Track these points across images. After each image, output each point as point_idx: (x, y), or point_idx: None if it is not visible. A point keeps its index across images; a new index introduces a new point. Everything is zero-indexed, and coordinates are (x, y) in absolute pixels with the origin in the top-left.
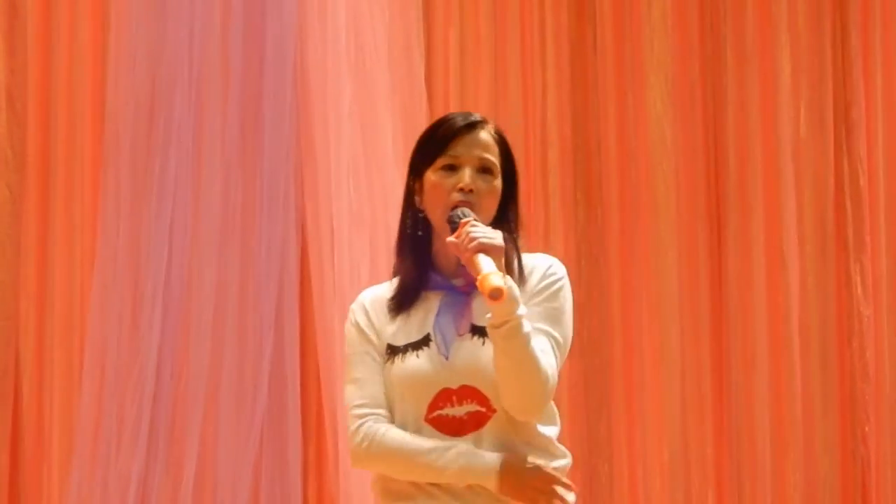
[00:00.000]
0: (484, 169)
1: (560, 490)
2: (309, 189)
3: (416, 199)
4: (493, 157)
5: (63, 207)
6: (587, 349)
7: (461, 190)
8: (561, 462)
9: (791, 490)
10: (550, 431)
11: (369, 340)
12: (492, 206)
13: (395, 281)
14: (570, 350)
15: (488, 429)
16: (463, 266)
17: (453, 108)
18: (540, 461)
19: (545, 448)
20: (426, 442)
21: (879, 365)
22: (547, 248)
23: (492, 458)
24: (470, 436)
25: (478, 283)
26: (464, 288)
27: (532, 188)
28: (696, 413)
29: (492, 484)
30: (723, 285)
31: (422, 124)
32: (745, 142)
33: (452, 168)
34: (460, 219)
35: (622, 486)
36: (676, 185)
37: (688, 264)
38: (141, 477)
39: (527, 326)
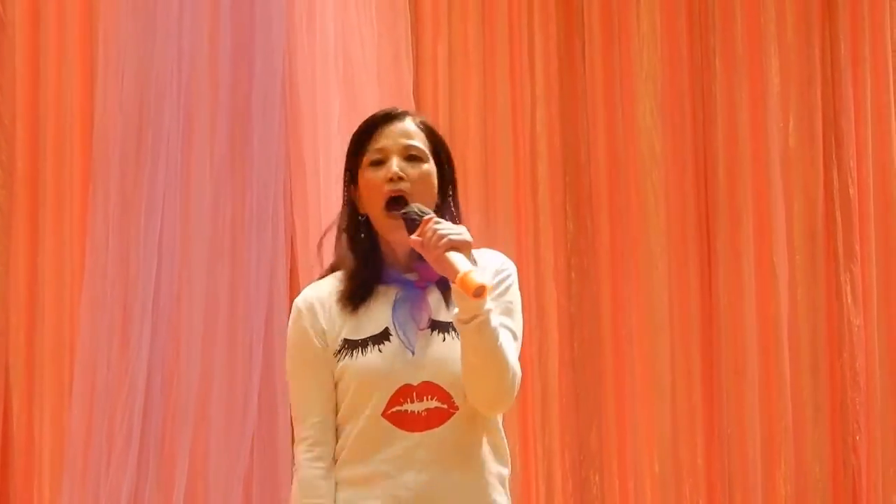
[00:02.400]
0: (410, 156)
1: None
2: (298, 203)
3: (359, 205)
4: (419, 143)
5: (52, 222)
6: (578, 360)
7: (391, 180)
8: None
9: (782, 499)
10: (504, 471)
11: (310, 345)
12: (426, 191)
13: (339, 276)
14: (561, 360)
15: (448, 427)
16: (416, 261)
17: (441, 121)
18: None
19: (501, 453)
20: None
21: (870, 374)
22: (537, 260)
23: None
24: (427, 433)
25: (457, 282)
26: (418, 283)
27: (522, 200)
28: (687, 423)
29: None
30: (713, 296)
31: None
32: (734, 152)
33: (380, 162)
34: (419, 216)
35: (613, 497)
36: (666, 196)
37: (678, 275)
38: (131, 492)
39: (494, 321)
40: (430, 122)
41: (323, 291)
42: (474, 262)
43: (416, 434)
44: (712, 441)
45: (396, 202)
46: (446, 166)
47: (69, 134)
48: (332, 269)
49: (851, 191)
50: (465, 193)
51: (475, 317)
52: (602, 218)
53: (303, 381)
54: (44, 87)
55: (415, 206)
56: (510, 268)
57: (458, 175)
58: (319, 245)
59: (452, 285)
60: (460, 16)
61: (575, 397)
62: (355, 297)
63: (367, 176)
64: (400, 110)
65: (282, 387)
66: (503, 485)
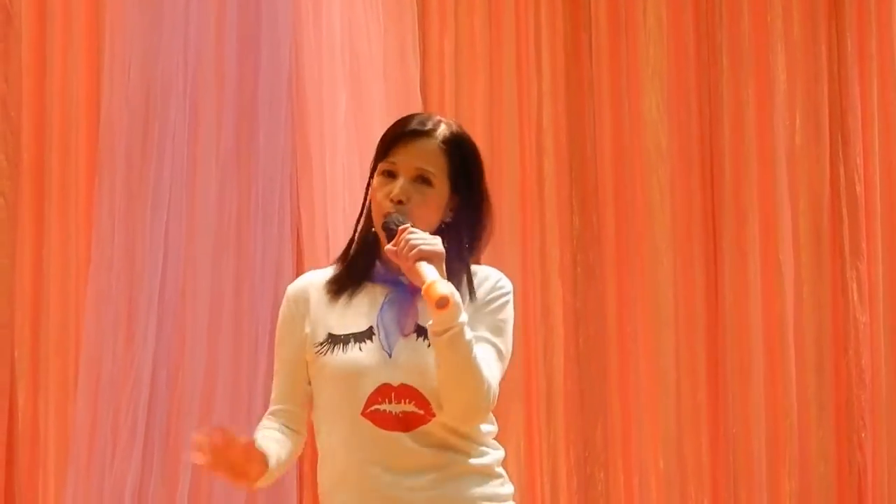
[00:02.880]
0: (420, 178)
1: None
2: (304, 197)
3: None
4: (432, 168)
5: (58, 215)
6: (583, 357)
7: (391, 200)
8: (495, 453)
9: (787, 497)
10: (487, 429)
11: (291, 331)
12: (427, 216)
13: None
14: (566, 356)
15: (422, 431)
16: None
17: (449, 115)
18: None
19: (483, 442)
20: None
21: (875, 371)
22: (543, 256)
23: None
24: (403, 434)
25: (423, 292)
26: (410, 286)
27: (527, 196)
28: (692, 420)
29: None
30: (718, 293)
31: None
32: (740, 149)
33: (391, 175)
34: (397, 225)
35: (618, 494)
36: (672, 192)
37: (683, 272)
38: (136, 485)
39: (468, 333)
40: (464, 143)
41: (319, 277)
42: (443, 272)
43: (393, 433)
44: (717, 438)
45: (393, 217)
46: (464, 181)
47: (75, 126)
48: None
49: (858, 188)
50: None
51: (448, 329)
52: (608, 214)
53: (280, 365)
54: (50, 80)
55: (393, 217)
56: (507, 286)
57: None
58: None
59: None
60: (467, 10)
61: (580, 394)
62: (343, 288)
63: (377, 183)
64: (432, 126)
65: None
66: (488, 477)
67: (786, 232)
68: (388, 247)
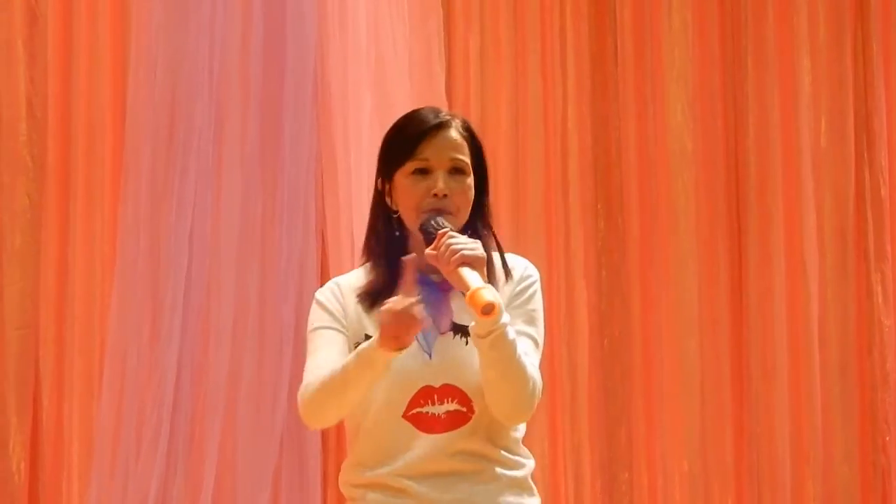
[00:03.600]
0: (455, 170)
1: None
2: (329, 198)
3: (388, 199)
4: (464, 157)
5: (83, 216)
6: (607, 358)
7: (435, 196)
8: (529, 463)
9: (810, 499)
10: (520, 433)
11: (334, 317)
12: (466, 205)
13: (367, 272)
14: (591, 358)
15: (467, 430)
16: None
17: (473, 118)
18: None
19: (516, 452)
20: (332, 369)
21: None
22: (567, 258)
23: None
24: (446, 435)
25: (467, 299)
26: (442, 285)
27: (552, 198)
28: (716, 422)
29: (378, 351)
30: (743, 295)
31: None
32: (765, 151)
33: (424, 171)
34: (436, 229)
35: (641, 495)
36: (696, 194)
37: (708, 274)
38: (160, 486)
39: (511, 333)
40: (472, 126)
41: (350, 283)
42: (485, 276)
43: (435, 436)
44: (741, 440)
45: (431, 221)
46: (482, 173)
47: (100, 127)
48: (364, 261)
49: (883, 191)
50: (495, 191)
51: (491, 332)
52: (632, 216)
53: (323, 340)
54: (75, 81)
55: (432, 220)
56: (534, 274)
57: (490, 171)
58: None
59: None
60: (492, 12)
61: (604, 395)
62: (378, 294)
63: (408, 183)
64: (447, 116)
65: None
66: (522, 485)
67: (810, 234)
68: (428, 251)
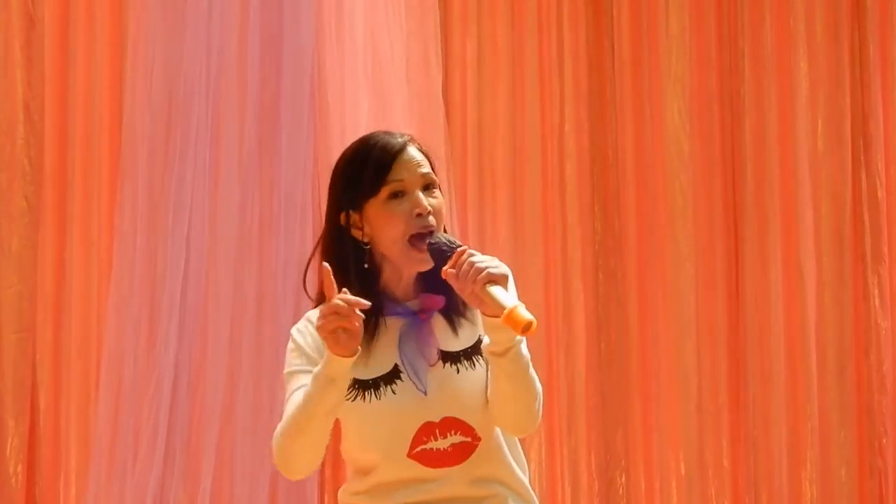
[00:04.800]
0: (428, 185)
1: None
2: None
3: (357, 232)
4: (431, 171)
5: (80, 219)
6: (604, 361)
7: (419, 215)
8: (526, 470)
9: (808, 502)
10: (524, 477)
11: (309, 360)
12: (442, 219)
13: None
14: (588, 361)
15: (474, 459)
16: (418, 290)
17: (470, 121)
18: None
19: (519, 462)
20: (298, 400)
21: None
22: (565, 261)
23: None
24: (456, 468)
25: (503, 318)
26: (422, 313)
27: (549, 200)
28: (713, 425)
29: (334, 364)
30: (740, 297)
31: (439, 137)
32: (762, 154)
33: (400, 194)
34: (451, 247)
35: (639, 498)
36: (694, 197)
37: (705, 276)
38: (157, 487)
39: (525, 349)
40: (424, 145)
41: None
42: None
43: (445, 469)
44: (738, 443)
45: (422, 237)
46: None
47: (98, 130)
48: (321, 299)
49: (880, 193)
50: (492, 192)
51: (509, 349)
52: (629, 218)
53: (296, 387)
54: (73, 84)
55: (442, 237)
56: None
57: (487, 174)
58: (304, 278)
59: (485, 317)
60: (489, 15)
61: (601, 398)
62: (364, 335)
63: (387, 207)
64: (405, 137)
65: None
66: (525, 493)
67: (807, 237)
68: (448, 270)
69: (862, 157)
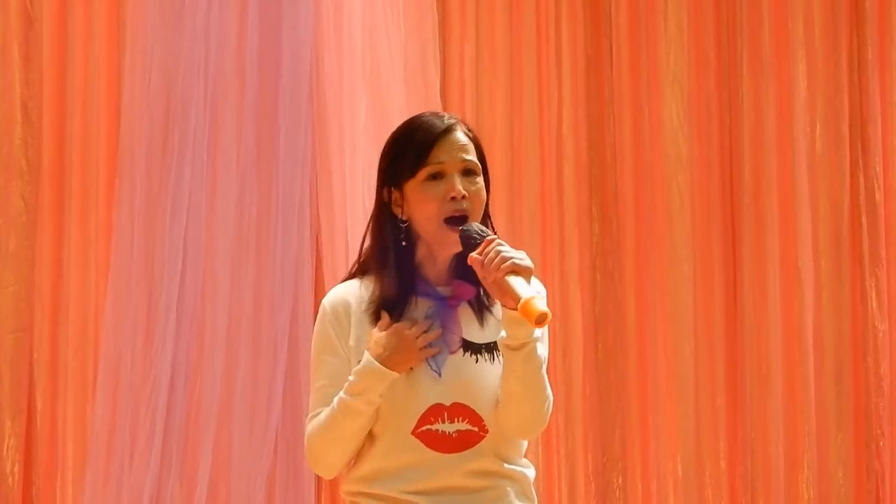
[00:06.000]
0: (468, 171)
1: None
2: (324, 202)
3: (397, 209)
4: (474, 158)
5: (77, 219)
6: (602, 362)
7: (453, 199)
8: (530, 473)
9: None
10: (523, 445)
11: (336, 343)
12: (480, 206)
13: (370, 283)
14: (585, 362)
15: (477, 451)
16: (452, 277)
17: (469, 121)
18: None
19: (521, 464)
20: (329, 407)
21: (894, 379)
22: (562, 262)
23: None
24: (456, 455)
25: (518, 308)
26: (451, 300)
27: (547, 202)
28: (710, 427)
29: (383, 373)
30: (737, 299)
31: None
32: (760, 156)
33: (438, 176)
34: (481, 235)
35: (636, 500)
36: (692, 199)
37: (703, 278)
38: (154, 489)
39: (540, 348)
40: (474, 130)
41: (353, 296)
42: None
43: (445, 455)
44: (735, 445)
45: (456, 220)
46: (485, 174)
47: (95, 130)
48: (362, 271)
49: (877, 196)
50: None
51: (525, 344)
52: (627, 220)
53: (329, 379)
54: (70, 83)
55: (475, 226)
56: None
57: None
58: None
59: (504, 310)
60: (488, 16)
61: (598, 399)
62: (392, 308)
63: (423, 189)
64: (452, 119)
65: (306, 385)
66: (527, 495)
67: (805, 239)
68: (474, 256)
69: (860, 160)
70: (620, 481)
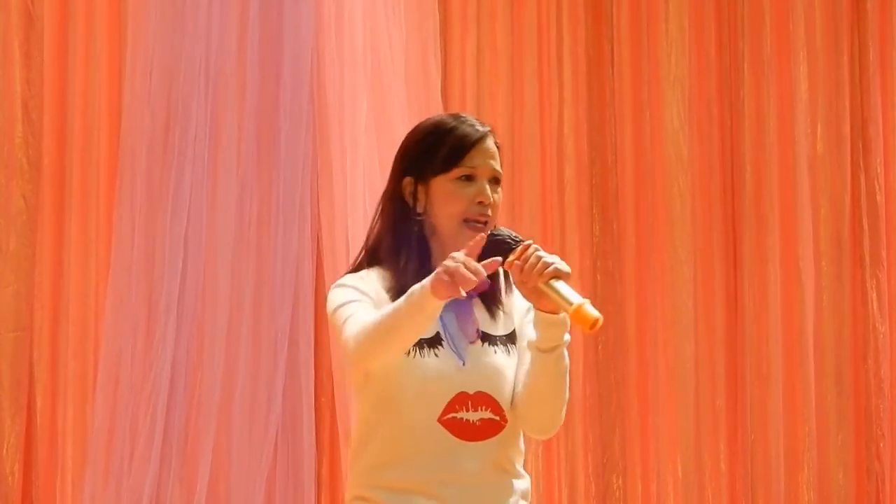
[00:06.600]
0: (494, 180)
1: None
2: (324, 201)
3: (412, 200)
4: (500, 168)
5: (78, 218)
6: (602, 363)
7: (480, 203)
8: (528, 478)
9: None
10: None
11: (364, 293)
12: (497, 215)
13: (383, 274)
14: (585, 363)
15: (498, 440)
16: None
17: None
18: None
19: (522, 465)
20: (384, 311)
21: (894, 381)
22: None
23: (424, 282)
24: (481, 443)
25: (572, 314)
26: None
27: (548, 203)
28: (711, 428)
29: (427, 296)
30: (738, 301)
31: None
32: (761, 157)
33: (469, 178)
34: (515, 240)
35: (636, 501)
36: (692, 200)
37: (703, 280)
38: (154, 488)
39: (566, 352)
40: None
41: (371, 282)
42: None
43: (469, 444)
44: (736, 446)
45: (475, 223)
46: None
47: (96, 129)
48: (370, 261)
49: (878, 197)
50: None
51: (556, 347)
52: (628, 221)
53: (350, 295)
54: (71, 83)
55: (505, 230)
56: None
57: None
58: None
59: (538, 312)
60: (489, 17)
61: (598, 400)
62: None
63: (452, 187)
64: (488, 127)
65: (306, 385)
66: (528, 497)
67: (806, 240)
68: (512, 261)
69: (861, 161)
70: (620, 482)
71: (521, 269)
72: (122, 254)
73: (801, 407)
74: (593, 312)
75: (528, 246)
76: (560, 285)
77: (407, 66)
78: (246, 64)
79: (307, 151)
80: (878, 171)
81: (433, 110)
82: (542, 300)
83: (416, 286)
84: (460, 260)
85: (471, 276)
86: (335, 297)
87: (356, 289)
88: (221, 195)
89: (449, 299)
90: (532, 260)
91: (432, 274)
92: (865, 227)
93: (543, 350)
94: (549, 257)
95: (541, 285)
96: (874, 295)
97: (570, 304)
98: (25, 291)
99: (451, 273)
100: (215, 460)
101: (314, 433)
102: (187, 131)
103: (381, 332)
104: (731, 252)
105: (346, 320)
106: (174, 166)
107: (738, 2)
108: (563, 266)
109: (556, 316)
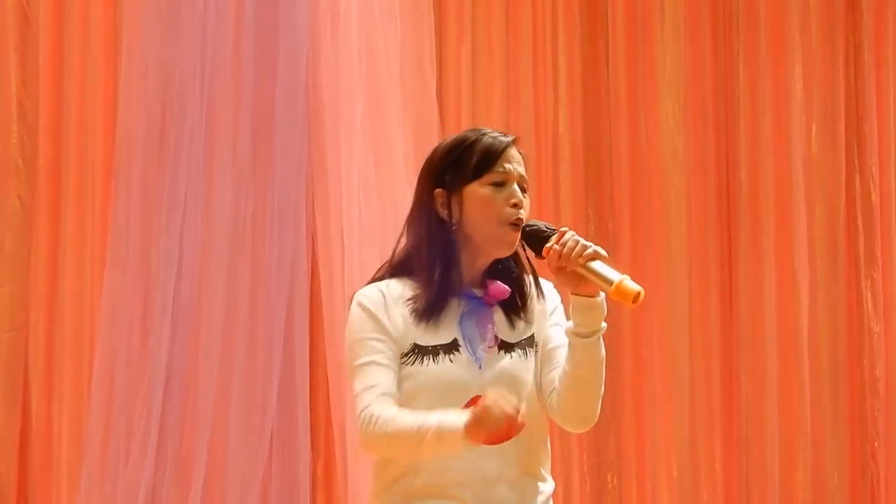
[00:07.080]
0: (521, 186)
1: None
2: (320, 203)
3: (444, 211)
4: (526, 175)
5: (74, 218)
6: None
7: (514, 206)
8: (552, 482)
9: None
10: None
11: (381, 328)
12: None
13: (408, 283)
14: None
15: (521, 442)
16: (486, 279)
17: (465, 123)
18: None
19: (547, 468)
20: (409, 421)
21: (889, 381)
22: None
23: (458, 417)
24: (500, 445)
25: (613, 290)
26: (486, 299)
27: (543, 203)
28: (706, 427)
29: (460, 437)
30: (733, 300)
31: (433, 139)
32: (756, 157)
33: (501, 183)
34: (551, 229)
35: (631, 500)
36: (688, 200)
37: (699, 279)
38: (149, 488)
39: (602, 341)
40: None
41: (393, 293)
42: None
43: (489, 446)
44: (730, 446)
45: (516, 226)
46: None
47: (92, 130)
48: (394, 272)
49: (873, 197)
50: None
51: (595, 331)
52: (624, 221)
53: (374, 352)
54: (67, 83)
55: (539, 222)
56: (557, 298)
57: None
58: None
59: (575, 298)
60: (484, 18)
61: None
62: (434, 309)
63: (486, 193)
64: (511, 136)
65: (301, 385)
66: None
67: (801, 240)
68: (552, 246)
69: (856, 161)
70: (615, 481)
71: (560, 255)
72: (118, 254)
73: (796, 406)
74: (634, 286)
75: (565, 232)
76: (598, 265)
77: (402, 66)
78: (241, 64)
79: (302, 152)
80: (873, 170)
81: (428, 112)
82: (581, 284)
83: (449, 419)
84: (500, 412)
85: (510, 430)
86: (355, 339)
87: (376, 325)
88: (217, 195)
89: (476, 443)
90: (570, 243)
91: (468, 414)
92: (860, 226)
93: (583, 335)
94: (586, 242)
95: (579, 269)
96: (869, 295)
97: (611, 281)
98: (21, 291)
99: (490, 430)
100: (210, 460)
101: (309, 433)
102: (183, 132)
103: (398, 443)
104: (727, 252)
105: (363, 390)
106: (170, 167)
107: (733, 2)
108: (600, 249)
109: (594, 299)
